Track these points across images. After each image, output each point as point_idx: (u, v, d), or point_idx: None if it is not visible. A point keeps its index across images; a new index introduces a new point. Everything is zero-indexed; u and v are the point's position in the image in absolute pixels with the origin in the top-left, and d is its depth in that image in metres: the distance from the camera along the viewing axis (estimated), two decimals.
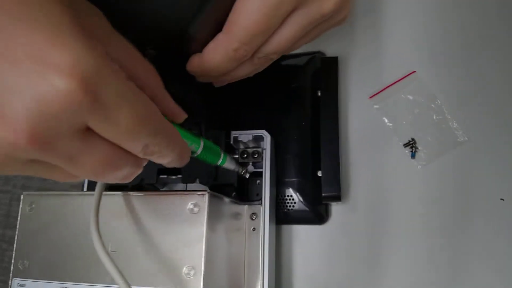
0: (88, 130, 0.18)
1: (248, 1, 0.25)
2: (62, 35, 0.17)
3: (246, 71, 0.30)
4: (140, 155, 0.21)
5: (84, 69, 0.16)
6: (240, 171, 0.36)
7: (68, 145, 0.18)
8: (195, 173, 0.35)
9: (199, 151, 0.28)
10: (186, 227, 0.28)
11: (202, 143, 0.28)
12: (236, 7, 0.25)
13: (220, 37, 0.27)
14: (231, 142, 0.38)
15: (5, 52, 0.16)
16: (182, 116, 0.26)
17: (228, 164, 0.33)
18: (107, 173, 0.20)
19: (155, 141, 0.21)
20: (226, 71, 0.29)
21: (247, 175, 0.37)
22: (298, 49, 0.32)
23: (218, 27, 0.27)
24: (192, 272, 0.28)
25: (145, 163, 0.22)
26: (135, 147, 0.20)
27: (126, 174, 0.21)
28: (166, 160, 0.23)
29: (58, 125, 0.17)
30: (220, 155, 0.32)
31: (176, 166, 0.24)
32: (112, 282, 0.27)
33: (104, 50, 0.18)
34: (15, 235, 0.32)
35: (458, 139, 0.40)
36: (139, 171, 0.22)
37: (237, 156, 0.39)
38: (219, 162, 0.32)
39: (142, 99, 0.20)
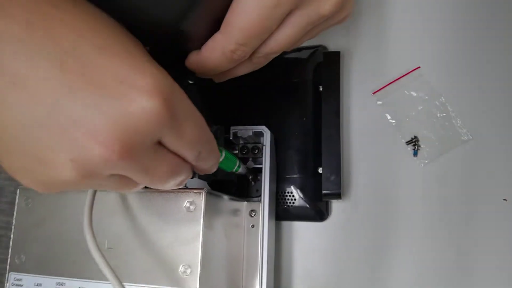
0: (159, 143, 0.20)
1: (245, 1, 0.24)
2: (139, 61, 0.19)
3: (246, 69, 0.30)
4: (193, 162, 0.23)
5: (164, 90, 0.19)
6: (249, 176, 0.38)
7: (147, 157, 0.20)
8: None
9: (220, 159, 0.30)
10: (182, 225, 0.28)
11: (224, 154, 0.30)
12: (233, 6, 0.25)
13: (217, 37, 0.26)
14: (231, 138, 0.37)
15: (93, 78, 0.18)
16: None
17: (241, 170, 0.35)
18: (171, 180, 0.22)
19: (206, 148, 0.23)
20: (224, 70, 0.28)
21: (255, 182, 0.39)
22: None
23: (215, 24, 0.26)
24: (188, 271, 0.27)
25: None
26: (192, 155, 0.22)
27: (183, 179, 0.23)
28: (209, 164, 0.25)
29: (143, 140, 0.19)
30: (236, 163, 0.33)
31: (208, 173, 0.26)
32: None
33: None
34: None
35: (462, 138, 0.39)
36: (191, 176, 0.24)
37: (237, 151, 0.38)
38: (234, 169, 0.33)
39: (197, 112, 0.22)
